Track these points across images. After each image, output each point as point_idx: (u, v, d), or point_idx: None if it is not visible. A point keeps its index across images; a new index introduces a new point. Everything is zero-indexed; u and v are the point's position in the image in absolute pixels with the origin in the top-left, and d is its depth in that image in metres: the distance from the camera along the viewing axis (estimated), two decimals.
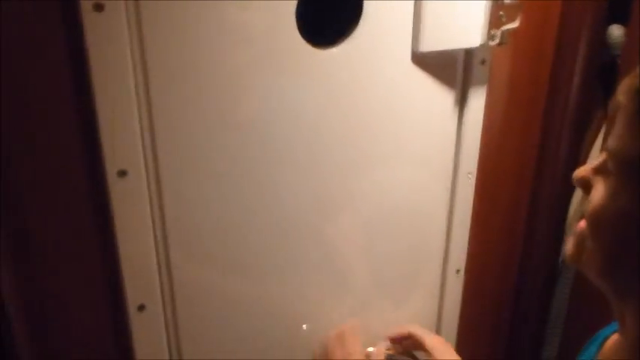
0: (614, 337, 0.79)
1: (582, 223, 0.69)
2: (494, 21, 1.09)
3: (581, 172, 0.69)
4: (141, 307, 0.95)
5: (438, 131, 1.20)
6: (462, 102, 1.20)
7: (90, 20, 0.77)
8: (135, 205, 0.89)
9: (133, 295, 0.93)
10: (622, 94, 0.62)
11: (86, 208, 0.86)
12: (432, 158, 1.22)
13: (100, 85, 0.80)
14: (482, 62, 1.17)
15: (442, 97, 1.17)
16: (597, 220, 0.65)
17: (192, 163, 0.92)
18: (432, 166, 1.23)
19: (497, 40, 1.10)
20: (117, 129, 0.83)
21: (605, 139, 0.65)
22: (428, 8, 1.03)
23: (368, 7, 0.99)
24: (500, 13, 1.08)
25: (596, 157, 0.77)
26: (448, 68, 1.15)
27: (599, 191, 0.65)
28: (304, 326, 1.20)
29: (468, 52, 1.15)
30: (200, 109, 0.90)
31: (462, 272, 1.39)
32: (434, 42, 1.07)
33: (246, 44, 0.90)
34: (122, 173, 0.85)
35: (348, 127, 1.07)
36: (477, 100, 1.20)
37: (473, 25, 1.08)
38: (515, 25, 1.11)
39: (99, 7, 0.77)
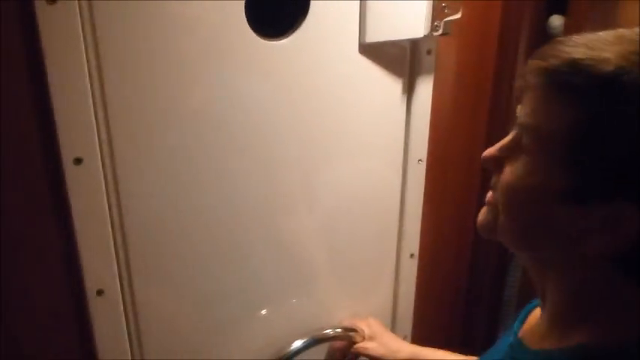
0: (536, 312, 0.83)
1: (491, 195, 0.74)
2: (438, 12, 1.14)
3: (492, 152, 0.73)
4: (99, 292, 0.98)
5: (388, 120, 1.25)
6: (410, 91, 1.24)
7: (43, 12, 0.80)
8: (91, 192, 0.92)
9: (91, 281, 0.96)
10: (530, 73, 0.67)
11: (43, 194, 0.89)
12: (382, 146, 1.27)
13: (55, 74, 0.83)
14: (429, 52, 1.22)
15: (390, 86, 1.21)
16: (513, 195, 0.69)
17: (147, 151, 0.95)
18: (382, 153, 1.28)
19: (440, 31, 1.15)
20: (72, 118, 0.86)
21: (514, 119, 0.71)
22: (372, 0, 1.08)
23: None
24: (443, 4, 1.13)
25: None
26: (395, 59, 1.20)
27: (514, 168, 0.69)
28: (263, 311, 1.23)
29: (414, 43, 1.20)
30: (152, 99, 0.93)
31: (417, 256, 1.44)
32: (379, 33, 1.12)
33: (197, 35, 0.94)
34: (78, 161, 0.89)
35: (299, 117, 1.11)
36: (425, 89, 1.25)
37: (417, 17, 1.13)
38: (457, 16, 1.16)
39: (52, 0, 0.80)
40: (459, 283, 1.61)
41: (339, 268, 1.32)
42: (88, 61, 0.85)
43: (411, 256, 1.42)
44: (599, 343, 0.67)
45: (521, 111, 0.68)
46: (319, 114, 1.14)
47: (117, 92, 0.89)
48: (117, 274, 0.99)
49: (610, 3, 1.35)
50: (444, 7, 1.14)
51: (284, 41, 1.04)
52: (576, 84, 0.62)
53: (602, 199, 0.62)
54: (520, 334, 0.82)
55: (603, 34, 0.63)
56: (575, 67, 0.62)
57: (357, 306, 1.37)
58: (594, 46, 0.62)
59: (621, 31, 0.64)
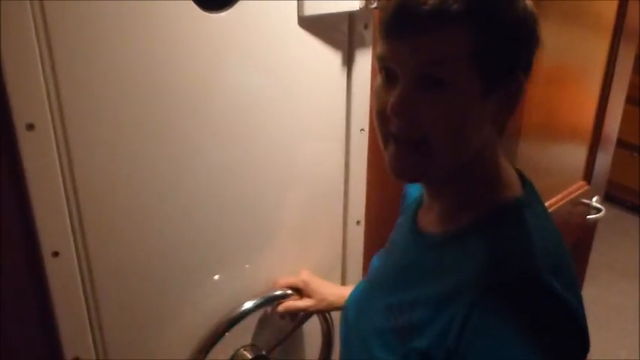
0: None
1: (409, 138, 0.84)
2: None
3: (401, 98, 0.83)
4: (55, 254, 1.02)
5: (329, 91, 1.32)
6: (349, 63, 1.32)
7: None
8: (44, 157, 0.96)
9: (46, 242, 1.01)
10: (418, 21, 0.79)
11: None
12: (325, 116, 1.34)
13: (5, 45, 0.88)
14: (366, 26, 1.29)
15: (330, 58, 1.28)
16: (455, 122, 0.82)
17: (96, 116, 1.00)
18: (325, 123, 1.35)
19: (375, 4, 1.23)
20: (23, 85, 0.91)
21: None
22: None
23: None
24: None
25: None
26: (334, 32, 1.27)
27: (440, 102, 0.80)
28: (216, 277, 1.29)
29: (352, 16, 1.27)
30: (99, 67, 0.98)
31: (363, 223, 1.51)
32: (317, 6, 1.18)
33: (140, 7, 0.99)
34: (30, 127, 0.93)
35: (241, 88, 1.17)
36: (364, 61, 1.33)
37: None
38: None
39: None
40: None
41: (289, 234, 1.39)
42: (36, 29, 0.90)
43: (357, 222, 1.50)
44: (504, 202, 0.89)
45: (410, 55, 0.80)
46: (261, 86, 1.20)
47: (66, 60, 0.94)
48: (72, 236, 1.04)
49: None
50: None
51: (224, 14, 1.09)
52: (467, 12, 0.76)
53: (502, 81, 0.81)
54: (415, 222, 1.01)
55: None
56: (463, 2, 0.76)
57: (308, 271, 1.43)
58: None
59: None
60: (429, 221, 0.97)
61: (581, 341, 0.83)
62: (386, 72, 0.84)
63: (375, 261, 1.15)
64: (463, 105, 0.80)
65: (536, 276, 0.80)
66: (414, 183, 0.98)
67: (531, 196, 0.92)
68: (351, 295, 1.14)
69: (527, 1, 0.82)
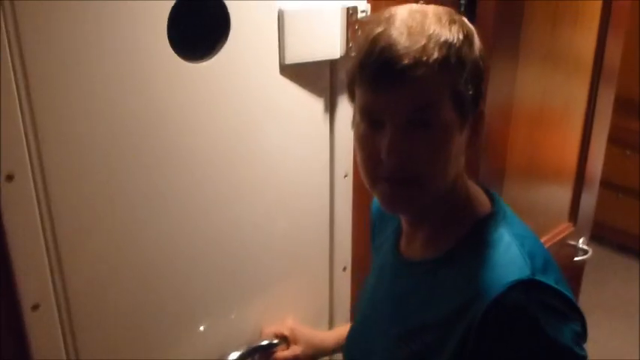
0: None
1: (402, 174, 0.90)
2: (352, 34, 1.23)
3: (393, 143, 0.88)
4: (35, 307, 1.01)
5: (312, 137, 1.32)
6: (332, 109, 1.33)
7: None
8: (23, 208, 0.96)
9: (26, 295, 1.00)
10: (403, 71, 0.85)
11: None
12: (309, 163, 1.34)
13: None
14: None
15: (313, 105, 1.29)
16: (443, 157, 0.89)
17: (76, 166, 1.00)
18: (309, 170, 1.35)
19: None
20: (4, 137, 0.91)
21: None
22: (289, 23, 1.16)
23: (235, 22, 1.11)
24: (356, 27, 1.22)
25: None
26: (316, 79, 1.28)
27: (430, 140, 0.88)
28: (201, 327, 1.27)
29: (333, 63, 1.28)
30: (79, 117, 0.98)
31: (349, 269, 1.50)
32: (298, 54, 1.20)
33: (121, 56, 1.00)
34: (9, 178, 0.93)
35: (224, 138, 1.18)
36: (346, 108, 1.33)
37: (332, 39, 1.22)
38: None
39: None
40: None
41: (275, 281, 1.38)
42: (16, 80, 0.90)
43: (344, 269, 1.49)
44: (483, 220, 0.96)
45: (396, 104, 0.86)
46: (244, 135, 1.21)
47: (45, 110, 0.94)
48: (52, 288, 1.02)
49: (513, 25, 1.46)
50: (358, 29, 1.22)
51: (206, 63, 1.10)
52: (447, 57, 0.84)
53: (472, 115, 0.91)
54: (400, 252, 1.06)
55: (406, 19, 0.86)
56: (446, 48, 0.84)
57: (296, 318, 1.42)
58: (436, 29, 0.85)
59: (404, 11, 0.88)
60: (414, 248, 1.03)
61: (582, 325, 0.91)
62: (370, 120, 0.89)
63: (366, 289, 1.19)
64: (448, 141, 0.88)
65: (534, 278, 0.86)
66: (406, 215, 1.02)
67: (501, 206, 0.99)
68: (351, 335, 1.18)
69: (477, 38, 0.90)
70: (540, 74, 1.63)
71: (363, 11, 1.22)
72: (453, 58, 0.84)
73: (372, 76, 0.86)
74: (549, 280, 0.87)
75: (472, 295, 0.88)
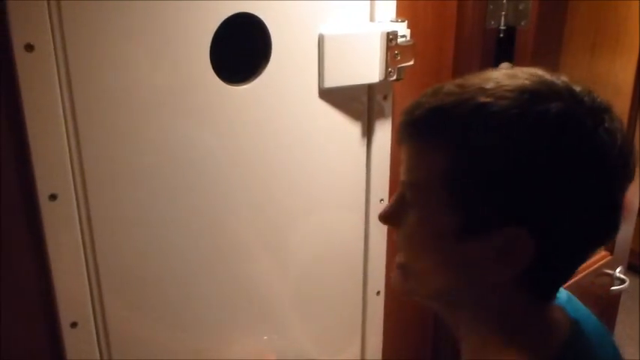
0: None
1: (399, 257, 0.76)
2: (391, 59, 1.23)
3: (385, 210, 0.76)
4: (73, 324, 1.02)
5: (349, 162, 1.32)
6: (369, 134, 1.33)
7: (22, 59, 0.87)
8: (65, 227, 0.97)
9: (65, 313, 1.01)
10: (401, 131, 0.71)
11: (19, 229, 0.94)
12: (345, 187, 1.34)
13: (32, 117, 0.90)
14: (385, 98, 1.31)
15: (350, 129, 1.29)
16: (413, 248, 0.73)
17: (118, 186, 1.02)
18: (345, 194, 1.35)
19: (394, 77, 1.24)
20: (48, 156, 0.92)
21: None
22: (329, 47, 1.17)
23: (276, 46, 1.12)
24: (396, 52, 1.23)
25: None
26: (354, 103, 1.28)
27: (407, 223, 0.72)
28: (234, 348, 1.28)
29: (371, 88, 1.29)
30: (122, 140, 1.00)
31: (383, 293, 1.49)
32: (337, 78, 1.20)
33: (164, 82, 1.01)
34: (53, 197, 0.94)
35: (262, 161, 1.18)
36: (383, 132, 1.33)
37: (371, 63, 1.22)
38: (410, 62, 1.26)
39: (29, 48, 0.87)
40: (426, 318, 1.66)
41: (308, 304, 1.37)
42: (62, 103, 0.92)
43: (377, 293, 1.48)
44: None
45: (402, 167, 0.72)
46: (282, 158, 1.21)
47: (89, 133, 0.96)
48: (91, 306, 1.03)
49: (552, 55, 1.46)
50: (397, 54, 1.23)
51: (247, 86, 1.11)
52: (440, 129, 0.66)
53: (492, 229, 0.65)
54: None
55: (474, 79, 0.67)
56: (439, 113, 0.66)
57: (327, 343, 1.41)
58: (452, 91, 0.66)
59: (487, 73, 0.68)
60: None
61: None
62: None
63: None
64: (432, 237, 0.70)
65: None
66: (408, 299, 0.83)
67: None
68: None
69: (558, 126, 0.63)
70: None
71: (402, 36, 1.23)
72: (457, 133, 0.65)
73: None
74: None
75: None
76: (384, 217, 0.76)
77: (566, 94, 0.64)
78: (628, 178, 0.66)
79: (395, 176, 1.39)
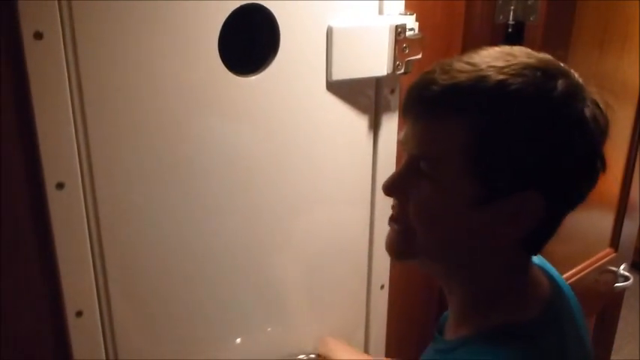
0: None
1: (396, 218, 0.81)
2: (399, 52, 1.23)
3: (393, 181, 0.80)
4: (79, 313, 1.02)
5: (355, 153, 1.32)
6: (376, 127, 1.32)
7: (30, 47, 0.87)
8: (72, 216, 0.97)
9: (71, 302, 1.01)
10: (413, 105, 0.76)
11: (26, 217, 0.94)
12: (350, 180, 1.34)
13: (40, 106, 0.90)
14: (392, 92, 1.31)
15: (357, 122, 1.29)
16: (428, 216, 0.77)
17: (126, 177, 1.02)
18: (351, 187, 1.35)
19: (402, 70, 1.24)
20: (55, 145, 0.92)
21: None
22: (337, 39, 1.16)
23: (285, 38, 1.11)
24: (404, 45, 1.22)
25: None
26: (361, 96, 1.28)
27: (422, 192, 0.76)
28: (237, 339, 1.28)
29: (379, 81, 1.28)
30: (129, 130, 1.00)
31: (387, 287, 1.49)
32: (345, 71, 1.20)
33: (172, 72, 1.01)
34: (60, 186, 0.94)
35: (269, 152, 1.18)
36: (390, 125, 1.33)
37: (379, 56, 1.22)
38: (418, 56, 1.25)
39: (38, 36, 0.87)
40: (430, 311, 1.66)
41: (312, 297, 1.38)
42: (71, 92, 0.92)
43: (382, 287, 1.48)
44: (502, 325, 0.78)
45: (411, 141, 0.76)
46: (288, 149, 1.21)
47: (97, 121, 0.96)
48: (96, 296, 1.03)
49: (561, 50, 1.45)
50: (405, 47, 1.23)
51: (255, 77, 1.11)
52: (462, 106, 0.71)
53: (507, 194, 0.72)
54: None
55: (476, 57, 0.73)
56: (458, 90, 0.71)
57: (332, 335, 1.41)
58: (464, 68, 0.72)
59: (491, 51, 0.74)
60: (448, 326, 0.88)
61: None
62: None
63: None
64: (447, 206, 0.75)
65: None
66: (398, 261, 0.93)
67: (544, 327, 0.78)
68: None
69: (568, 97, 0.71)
70: None
71: (411, 29, 1.22)
72: (483, 106, 0.70)
73: (403, 102, 0.81)
74: None
75: None
76: (389, 188, 0.81)
77: (564, 71, 0.73)
78: (605, 139, 0.76)
79: None
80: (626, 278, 2.02)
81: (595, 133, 0.73)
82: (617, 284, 2.02)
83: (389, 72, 1.24)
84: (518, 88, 0.69)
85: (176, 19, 0.99)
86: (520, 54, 0.73)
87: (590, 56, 1.56)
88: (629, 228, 2.00)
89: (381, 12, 1.22)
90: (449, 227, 0.77)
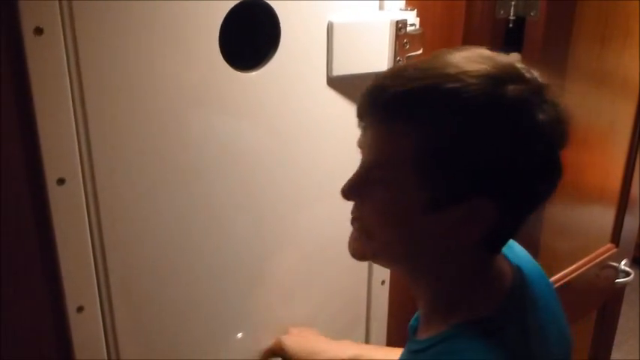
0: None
1: (355, 221, 0.83)
2: (400, 48, 1.23)
3: (348, 186, 0.82)
4: (80, 309, 1.02)
5: (355, 150, 1.31)
6: None
7: (31, 42, 0.86)
8: (72, 211, 0.97)
9: (72, 297, 1.01)
10: (364, 112, 0.78)
11: (26, 212, 0.94)
12: (350, 175, 1.33)
13: (40, 100, 0.89)
14: None
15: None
16: (380, 222, 0.79)
17: (126, 171, 1.01)
18: None
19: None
20: (56, 141, 0.92)
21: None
22: (338, 35, 1.16)
23: (285, 33, 1.11)
24: (405, 41, 1.22)
25: None
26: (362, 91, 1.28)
27: (374, 198, 0.78)
28: (239, 335, 1.28)
29: None
30: (130, 125, 1.00)
31: (387, 283, 1.49)
32: (345, 66, 1.20)
33: (173, 67, 1.01)
34: (60, 181, 0.94)
35: (270, 147, 1.18)
36: None
37: (380, 52, 1.21)
38: (419, 51, 1.25)
39: (39, 31, 0.87)
40: None
41: (312, 294, 1.38)
42: (71, 87, 0.91)
43: (382, 282, 1.48)
44: (467, 321, 0.78)
45: (364, 146, 0.79)
46: (289, 144, 1.21)
47: (98, 117, 0.96)
48: (97, 291, 1.03)
49: (562, 46, 1.45)
50: (406, 43, 1.22)
51: (255, 73, 1.11)
52: (412, 114, 0.71)
53: (457, 201, 0.73)
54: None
55: (430, 63, 0.73)
56: (408, 97, 0.71)
57: (331, 332, 1.41)
58: (415, 75, 0.72)
59: (443, 56, 0.73)
60: (420, 324, 0.90)
61: None
62: None
63: None
64: (400, 210, 0.76)
65: None
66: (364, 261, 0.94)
67: (506, 317, 0.79)
68: None
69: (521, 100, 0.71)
70: (586, 94, 1.61)
71: (412, 25, 1.22)
72: (429, 111, 0.71)
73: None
74: None
75: None
76: (345, 193, 0.82)
77: (518, 76, 0.71)
78: (564, 142, 0.75)
79: None
80: (627, 274, 2.02)
81: (552, 137, 0.73)
82: (617, 280, 2.02)
83: (389, 67, 1.23)
84: (467, 97, 0.68)
85: (177, 14, 0.98)
86: (478, 59, 0.72)
87: (590, 52, 1.56)
88: (629, 223, 2.00)
89: (381, 7, 1.22)
90: (402, 231, 0.78)
